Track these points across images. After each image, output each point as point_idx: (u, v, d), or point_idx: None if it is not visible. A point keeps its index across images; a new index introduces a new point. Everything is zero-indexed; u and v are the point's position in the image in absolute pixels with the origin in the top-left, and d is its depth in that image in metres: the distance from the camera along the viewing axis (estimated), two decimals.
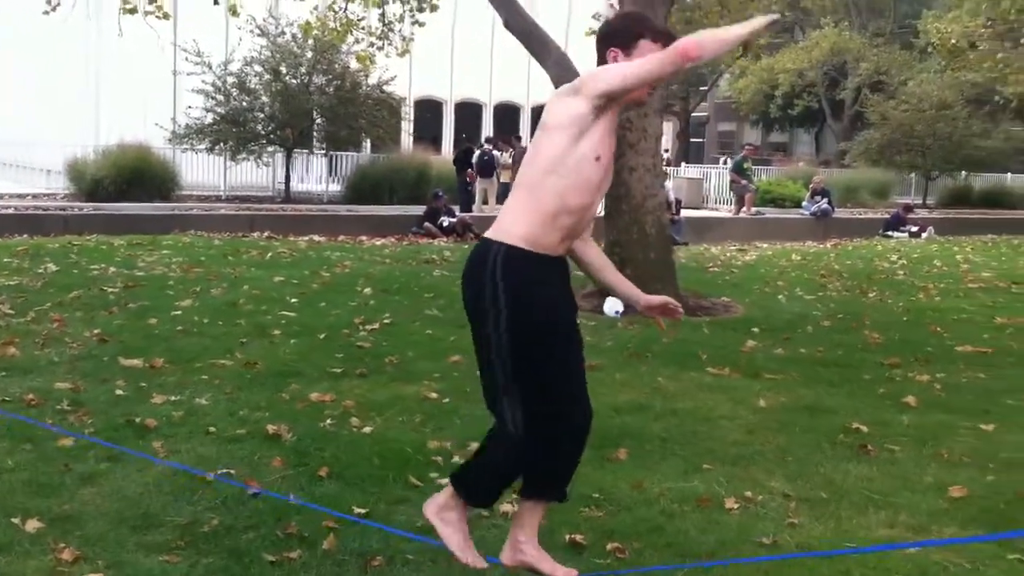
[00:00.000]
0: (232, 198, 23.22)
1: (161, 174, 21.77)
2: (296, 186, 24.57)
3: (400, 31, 15.97)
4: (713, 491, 4.87)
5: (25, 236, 14.53)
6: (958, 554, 4.22)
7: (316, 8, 16.02)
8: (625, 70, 3.11)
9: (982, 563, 4.16)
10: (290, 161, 23.57)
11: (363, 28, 16.22)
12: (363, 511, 4.42)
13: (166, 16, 15.07)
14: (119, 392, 6.34)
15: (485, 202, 21.27)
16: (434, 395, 6.45)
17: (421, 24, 15.83)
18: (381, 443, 5.40)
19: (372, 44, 16.27)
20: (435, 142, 32.31)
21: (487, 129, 33.64)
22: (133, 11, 15.06)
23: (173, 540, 4.09)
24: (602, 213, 10.39)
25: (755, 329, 9.22)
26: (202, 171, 24.13)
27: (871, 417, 6.27)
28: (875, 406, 6.59)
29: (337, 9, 15.71)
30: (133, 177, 21.05)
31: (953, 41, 26.67)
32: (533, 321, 3.15)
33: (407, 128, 29.20)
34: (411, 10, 15.66)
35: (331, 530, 4.19)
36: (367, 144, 26.71)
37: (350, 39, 17.07)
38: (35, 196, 21.96)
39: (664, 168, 22.57)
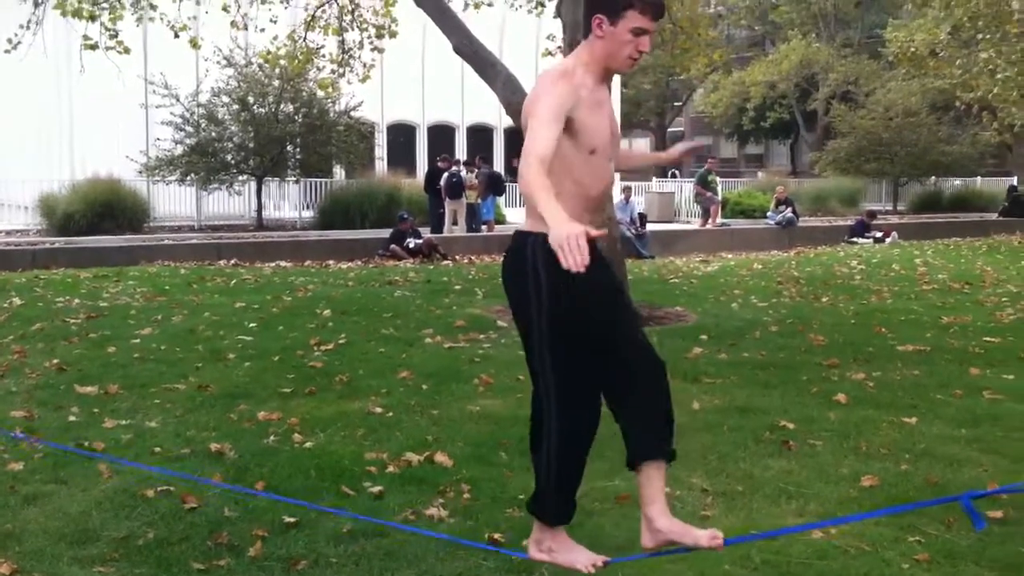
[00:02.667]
0: (205, 227, 23.42)
1: (132, 206, 21.97)
2: (271, 213, 24.80)
3: (360, 58, 16.18)
4: (633, 489, 5.05)
5: None
6: (859, 539, 4.45)
7: (276, 38, 16.22)
8: (532, 130, 3.06)
9: (881, 546, 4.39)
10: (261, 189, 23.80)
11: (323, 56, 16.44)
12: (293, 520, 4.61)
13: (127, 51, 15.24)
14: (72, 418, 6.52)
15: (455, 223, 21.49)
16: (379, 410, 6.65)
17: (380, 51, 16.06)
18: (320, 456, 5.60)
19: (333, 71, 16.49)
20: (408, 166, 32.57)
21: (461, 151, 33.89)
22: (94, 47, 15.21)
23: (108, 553, 4.29)
24: None
25: (703, 336, 9.44)
26: (175, 202, 24.36)
27: (799, 415, 6.50)
28: (805, 404, 6.82)
29: (296, 38, 15.93)
30: (104, 210, 21.22)
31: (913, 49, 27.08)
32: (575, 302, 3.13)
33: (380, 153, 29.42)
34: (370, 37, 15.89)
35: (259, 538, 4.39)
36: (341, 170, 26.97)
37: (311, 66, 17.29)
38: (8, 232, 22.09)
39: (628, 184, 22.90)
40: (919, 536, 4.48)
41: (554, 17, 11.12)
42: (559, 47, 15.28)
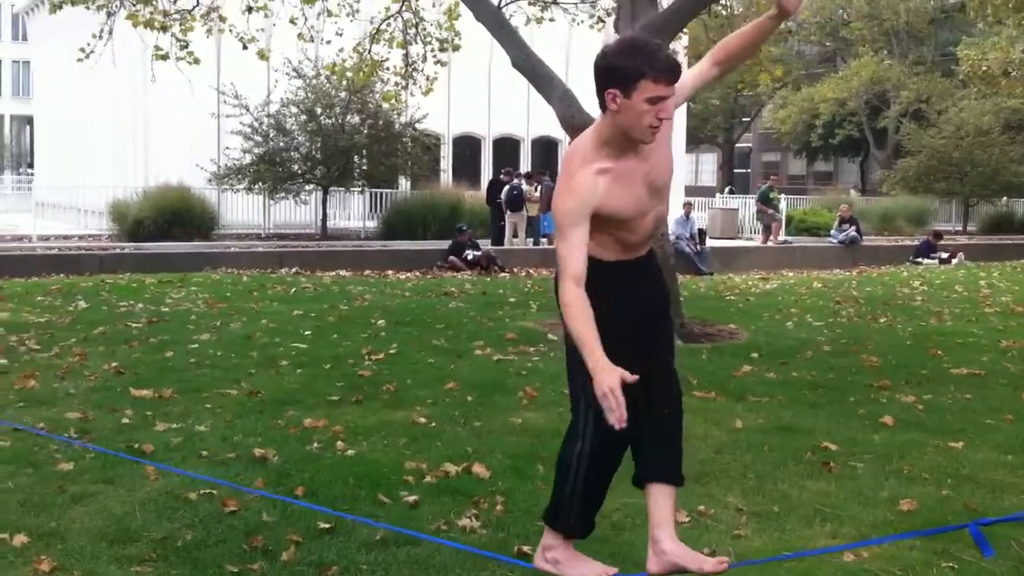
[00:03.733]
0: (271, 235, 23.83)
1: (200, 214, 22.48)
2: (337, 223, 25.22)
3: (423, 70, 16.37)
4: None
5: (61, 276, 15.09)
6: (891, 562, 4.42)
7: (341, 50, 16.49)
8: (560, 247, 3.17)
9: (913, 571, 4.35)
10: (327, 199, 24.16)
11: (388, 68, 16.67)
12: (328, 526, 4.70)
13: (196, 61, 15.60)
14: (125, 420, 6.69)
15: (515, 235, 21.60)
16: (423, 420, 6.73)
17: (444, 64, 16.23)
18: (360, 464, 5.69)
19: (397, 84, 16.71)
20: (473, 178, 32.80)
21: (525, 164, 34.02)
22: (165, 57, 15.62)
23: (146, 553, 4.41)
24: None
25: (754, 355, 9.39)
26: (243, 210, 24.86)
27: (842, 436, 6.45)
28: (851, 426, 6.76)
29: (362, 51, 16.17)
30: (173, 217, 21.75)
31: (985, 68, 26.66)
32: (613, 331, 3.12)
33: (445, 164, 29.67)
34: (433, 51, 16.07)
35: (293, 543, 4.48)
36: (406, 181, 27.30)
37: (376, 79, 17.56)
38: (81, 237, 22.70)
39: (689, 200, 22.81)
40: (952, 562, 4.43)
41: (615, 32, 11.15)
42: None
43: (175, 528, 4.70)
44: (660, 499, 3.30)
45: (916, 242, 23.85)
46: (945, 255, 21.85)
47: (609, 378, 2.87)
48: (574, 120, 11.14)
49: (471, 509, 4.98)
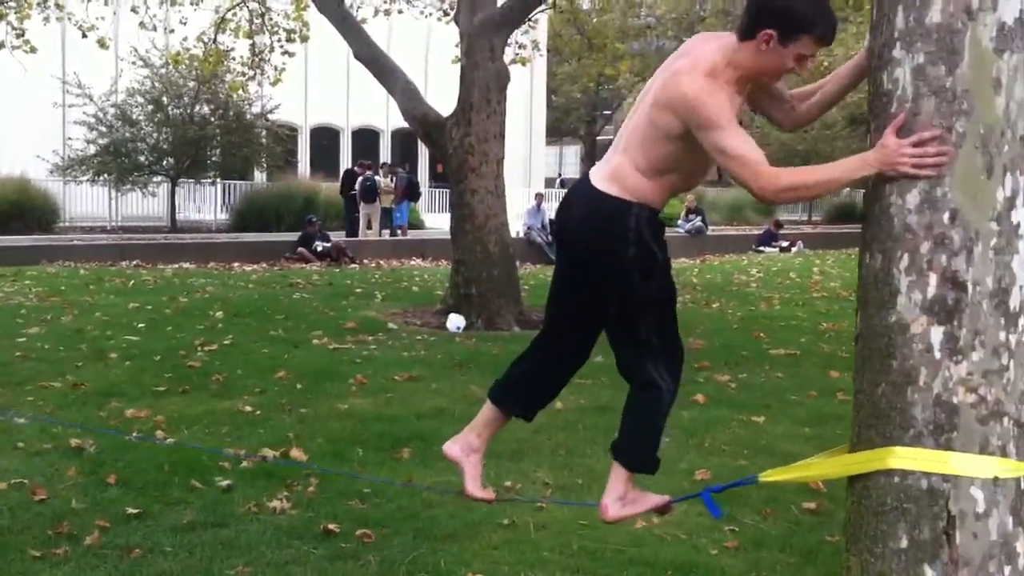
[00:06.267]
0: (118, 228, 23.23)
1: (41, 206, 21.77)
2: (191, 215, 24.72)
3: (271, 61, 16.27)
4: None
5: None
6: (677, 527, 4.70)
7: (185, 39, 16.24)
8: (734, 146, 2.78)
9: (697, 534, 4.64)
10: (175, 191, 23.69)
11: (234, 59, 16.51)
12: (136, 511, 4.73)
13: (33, 50, 15.19)
14: None
15: (369, 227, 21.60)
16: (248, 408, 6.77)
17: (291, 55, 16.15)
18: (178, 452, 5.70)
19: (243, 74, 16.56)
20: (332, 169, 32.57)
21: (385, 155, 33.94)
22: (0, 45, 15.18)
23: None
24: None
25: None
26: (90, 203, 24.17)
27: None
28: None
29: (206, 40, 15.96)
30: (12, 210, 20.98)
31: (826, 64, 27.80)
32: (668, 279, 3.14)
33: (301, 156, 29.38)
34: (280, 41, 15.98)
35: (99, 528, 4.50)
36: (262, 173, 26.94)
37: (224, 69, 17.35)
38: None
39: (540, 192, 23.18)
40: (734, 525, 4.74)
41: (447, 23, 11.32)
42: (516, 55, 15.54)
43: None
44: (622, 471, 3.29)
45: (760, 231, 24.76)
46: (785, 244, 22.77)
47: (892, 143, 2.51)
48: (415, 111, 11.31)
49: (283, 491, 5.07)
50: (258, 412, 6.69)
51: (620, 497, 3.22)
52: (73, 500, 4.90)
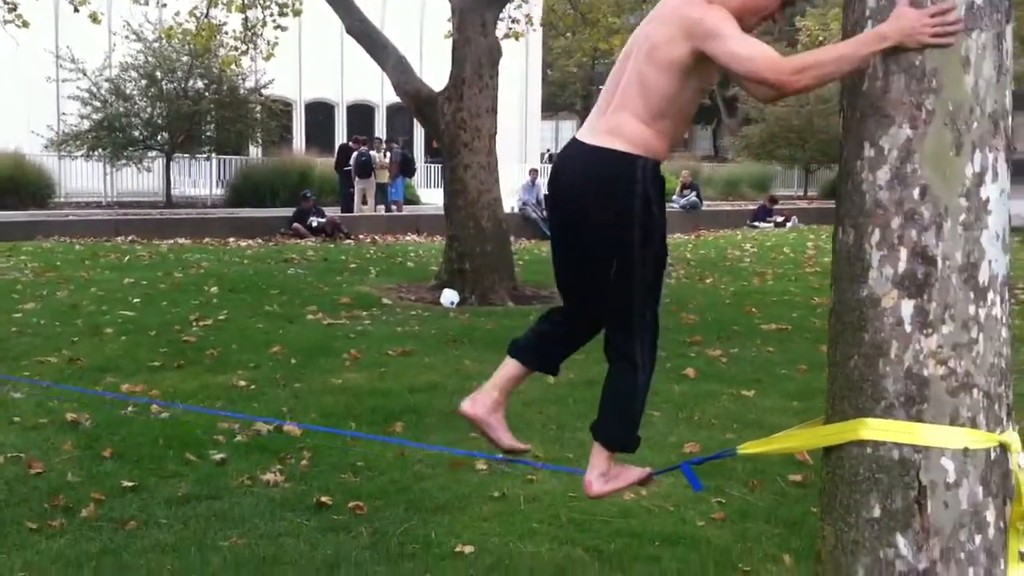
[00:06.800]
0: (113, 204, 23.23)
1: (35, 181, 21.74)
2: (186, 190, 24.72)
3: (263, 35, 16.23)
4: (470, 456, 5.34)
5: None
6: (665, 499, 4.78)
7: (177, 13, 16.21)
8: (743, 46, 2.73)
9: (684, 506, 4.72)
10: (170, 166, 23.68)
11: (227, 33, 16.48)
12: (132, 484, 4.80)
13: (25, 24, 15.16)
14: None
15: (364, 202, 21.62)
16: (243, 383, 6.84)
17: (284, 29, 16.10)
18: (172, 426, 5.78)
19: (236, 49, 16.53)
20: (327, 145, 32.52)
21: (380, 130, 33.89)
22: None
23: None
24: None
25: None
26: (85, 178, 24.15)
27: None
28: (655, 379, 7.07)
29: (199, 15, 15.93)
30: (7, 185, 20.97)
31: (822, 39, 27.75)
32: (663, 249, 3.06)
33: (296, 131, 29.32)
34: (272, 15, 15.94)
35: (95, 501, 4.58)
36: (257, 148, 26.91)
37: (216, 43, 17.33)
38: None
39: (535, 167, 23.19)
40: (721, 497, 4.82)
41: (450, 3, 11.32)
42: (509, 29, 15.52)
43: None
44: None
45: (755, 207, 24.80)
46: (780, 219, 22.81)
47: (912, 14, 2.47)
48: (407, 87, 11.33)
49: (276, 465, 5.15)
50: (252, 387, 6.75)
51: (603, 473, 3.24)
52: (69, 473, 4.97)
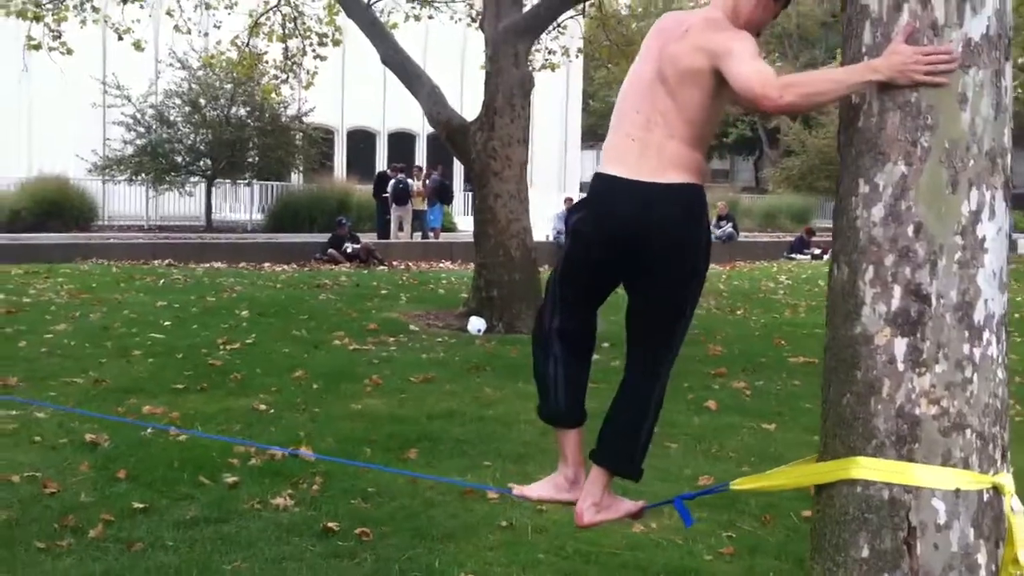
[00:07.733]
0: (155, 227, 23.56)
1: (79, 205, 22.15)
2: (226, 215, 25.05)
3: (303, 65, 16.44)
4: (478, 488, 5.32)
5: None
6: (675, 532, 4.72)
7: (219, 42, 16.46)
8: (751, 64, 2.74)
9: (693, 540, 4.66)
10: (211, 191, 24.00)
11: (267, 62, 16.72)
12: (142, 506, 4.83)
13: (69, 52, 15.43)
14: None
15: (400, 229, 21.74)
16: (263, 407, 6.87)
17: (323, 59, 16.31)
18: (189, 449, 5.81)
19: (276, 77, 16.75)
20: (367, 172, 32.78)
21: (421, 158, 34.09)
22: (37, 47, 15.44)
23: None
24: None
25: (605, 344, 9.68)
26: (127, 202, 24.55)
27: (665, 419, 6.69)
28: (676, 410, 7.07)
29: (239, 44, 16.16)
30: (52, 208, 21.37)
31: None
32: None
33: (336, 158, 29.59)
34: (312, 45, 16.15)
35: (104, 522, 4.60)
36: (298, 174, 27.22)
37: (257, 72, 17.58)
38: None
39: (570, 196, 23.20)
40: (733, 532, 4.76)
41: (481, 32, 11.40)
42: (546, 60, 15.60)
43: None
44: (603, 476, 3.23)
45: (792, 238, 24.64)
46: (817, 251, 22.61)
47: (905, 50, 2.45)
48: (439, 116, 11.40)
49: (288, 489, 5.15)
50: (272, 411, 6.78)
51: (595, 503, 3.18)
52: (82, 494, 5.01)
